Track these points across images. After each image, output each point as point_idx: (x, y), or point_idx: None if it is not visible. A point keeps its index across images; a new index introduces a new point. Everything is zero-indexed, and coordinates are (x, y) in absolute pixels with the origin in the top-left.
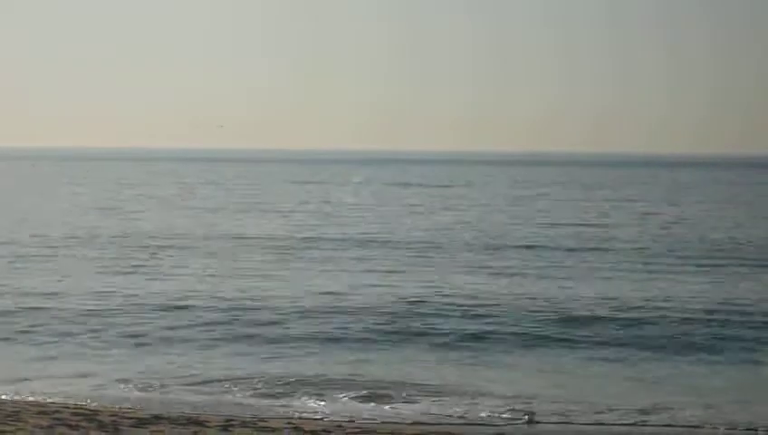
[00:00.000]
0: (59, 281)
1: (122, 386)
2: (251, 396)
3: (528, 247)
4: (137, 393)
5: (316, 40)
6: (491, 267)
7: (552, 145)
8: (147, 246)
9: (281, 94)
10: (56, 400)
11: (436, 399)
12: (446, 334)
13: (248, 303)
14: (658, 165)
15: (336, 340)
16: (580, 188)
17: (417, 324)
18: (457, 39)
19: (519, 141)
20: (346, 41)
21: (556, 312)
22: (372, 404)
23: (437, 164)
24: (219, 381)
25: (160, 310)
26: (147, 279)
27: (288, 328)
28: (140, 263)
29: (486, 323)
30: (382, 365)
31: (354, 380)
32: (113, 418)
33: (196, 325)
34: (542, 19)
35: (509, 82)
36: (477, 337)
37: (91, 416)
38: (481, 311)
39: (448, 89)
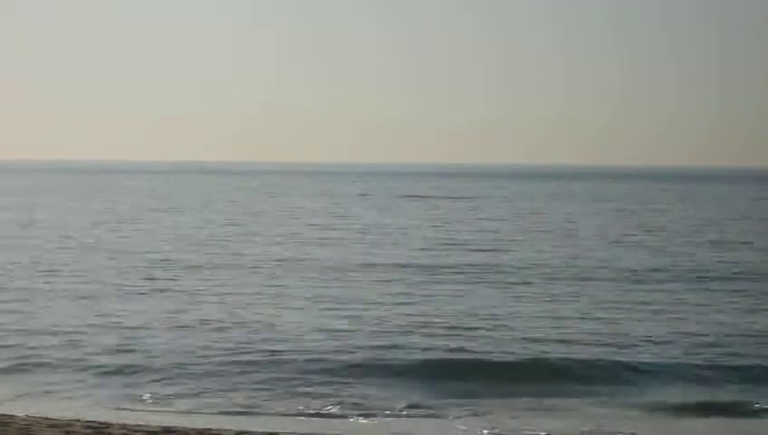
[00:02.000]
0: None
1: (134, 401)
2: (262, 411)
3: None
4: (148, 408)
5: (319, 47)
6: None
7: (560, 155)
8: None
9: (283, 105)
10: (67, 414)
11: None
12: None
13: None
14: (667, 177)
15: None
16: (591, 202)
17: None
18: (462, 46)
19: (526, 151)
20: (348, 47)
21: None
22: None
23: (444, 178)
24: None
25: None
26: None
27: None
28: None
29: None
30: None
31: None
32: (124, 431)
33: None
34: (548, 26)
35: (517, 87)
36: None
37: (101, 429)
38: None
39: (452, 98)
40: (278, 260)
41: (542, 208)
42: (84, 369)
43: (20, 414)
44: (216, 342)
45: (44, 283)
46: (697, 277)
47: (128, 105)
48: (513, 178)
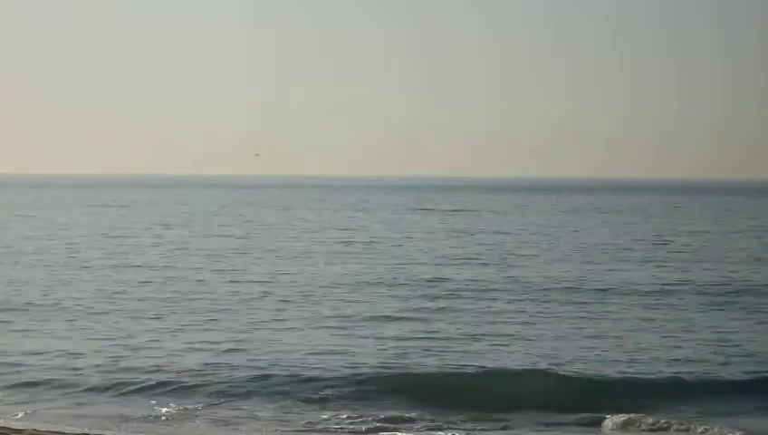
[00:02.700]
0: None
1: (143, 418)
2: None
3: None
4: (157, 422)
5: (320, 51)
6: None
7: (564, 167)
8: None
9: (283, 116)
10: (72, 428)
11: None
12: None
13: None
14: (671, 190)
15: None
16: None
17: None
18: (468, 55)
19: (529, 163)
20: (352, 54)
21: None
22: None
23: (449, 191)
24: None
25: None
26: None
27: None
28: None
29: None
30: None
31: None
32: None
33: None
34: (552, 34)
35: (521, 96)
36: None
37: None
38: None
39: (451, 109)
40: (288, 274)
41: (549, 222)
42: (95, 387)
43: (27, 428)
44: (226, 359)
45: (60, 299)
46: (706, 293)
47: (116, 115)
48: (517, 191)
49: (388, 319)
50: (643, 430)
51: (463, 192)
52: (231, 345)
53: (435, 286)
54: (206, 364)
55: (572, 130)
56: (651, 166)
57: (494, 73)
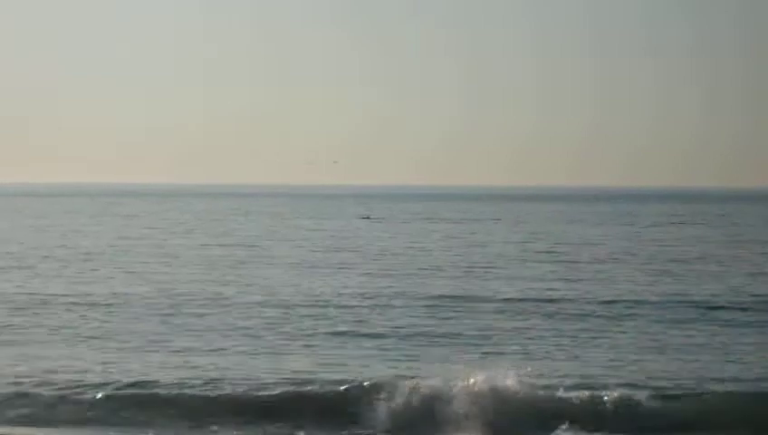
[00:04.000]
0: None
1: None
2: None
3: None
4: None
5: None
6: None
7: (592, 175)
8: None
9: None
10: None
11: None
12: None
13: None
14: (694, 198)
15: None
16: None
17: None
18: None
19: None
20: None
21: None
22: None
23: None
24: None
25: None
26: None
27: None
28: None
29: None
30: None
31: None
32: None
33: None
34: (580, 39)
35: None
36: None
37: None
38: None
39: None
40: (294, 286)
41: (562, 232)
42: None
43: None
44: (230, 374)
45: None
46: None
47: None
48: (528, 199)
49: (405, 335)
50: None
51: (484, 202)
52: (237, 360)
53: (447, 301)
54: (213, 380)
55: (600, 138)
56: (678, 174)
57: (529, 80)
